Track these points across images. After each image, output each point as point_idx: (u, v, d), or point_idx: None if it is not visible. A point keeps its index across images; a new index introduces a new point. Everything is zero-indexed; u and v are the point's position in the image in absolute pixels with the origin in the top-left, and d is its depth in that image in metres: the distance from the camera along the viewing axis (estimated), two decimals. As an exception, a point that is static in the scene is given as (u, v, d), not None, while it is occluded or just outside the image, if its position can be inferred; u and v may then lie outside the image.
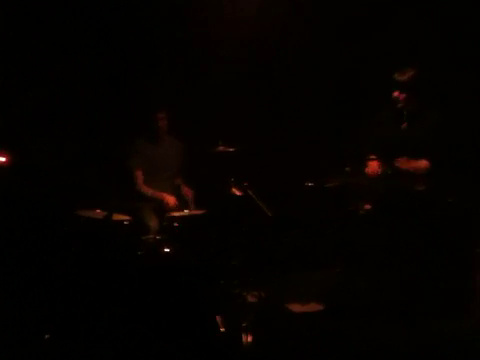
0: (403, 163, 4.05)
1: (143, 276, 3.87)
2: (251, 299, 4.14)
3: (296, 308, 4.19)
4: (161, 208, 4.56)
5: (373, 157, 4.13)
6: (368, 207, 4.13)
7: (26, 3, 4.79)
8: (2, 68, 4.73)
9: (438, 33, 4.81)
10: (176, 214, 4.43)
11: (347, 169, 4.17)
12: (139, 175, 4.67)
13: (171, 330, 3.67)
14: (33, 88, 4.84)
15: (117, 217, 4.13)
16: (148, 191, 4.67)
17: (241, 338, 3.63)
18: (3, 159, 4.04)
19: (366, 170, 4.14)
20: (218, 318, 3.73)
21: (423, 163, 4.08)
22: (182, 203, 4.67)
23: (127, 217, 4.21)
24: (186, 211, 4.49)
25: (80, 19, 4.94)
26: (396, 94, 4.10)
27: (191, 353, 3.52)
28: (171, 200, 4.60)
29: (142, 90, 5.06)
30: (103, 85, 5.01)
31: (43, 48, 4.84)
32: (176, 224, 4.32)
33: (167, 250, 4.10)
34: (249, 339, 3.65)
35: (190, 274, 3.92)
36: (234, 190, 4.45)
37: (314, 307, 4.15)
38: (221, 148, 4.48)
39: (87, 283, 3.83)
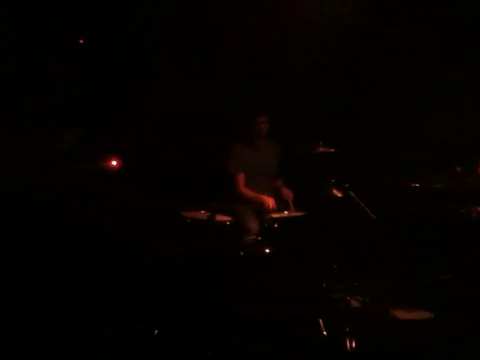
0: None
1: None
2: (354, 304, 4.06)
3: (402, 315, 4.04)
4: (261, 210, 4.58)
5: None
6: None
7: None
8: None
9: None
10: (276, 215, 4.43)
11: (458, 169, 3.97)
12: (240, 178, 4.73)
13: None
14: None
15: (220, 218, 4.19)
16: (249, 193, 4.72)
17: (344, 343, 3.56)
18: (115, 163, 4.21)
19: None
20: (320, 321, 3.68)
21: None
22: (282, 205, 4.66)
23: (229, 218, 4.27)
24: (286, 212, 4.48)
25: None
26: None
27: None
28: (271, 202, 4.61)
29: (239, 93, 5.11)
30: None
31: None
32: (276, 225, 4.32)
33: (267, 251, 4.11)
34: (352, 344, 3.57)
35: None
36: (335, 192, 4.38)
37: (421, 315, 3.98)
38: (321, 149, 4.42)
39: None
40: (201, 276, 3.95)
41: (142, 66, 5.18)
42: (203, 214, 4.18)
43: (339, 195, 4.36)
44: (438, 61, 4.79)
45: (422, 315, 4.00)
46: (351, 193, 4.32)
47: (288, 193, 4.75)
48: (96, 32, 5.03)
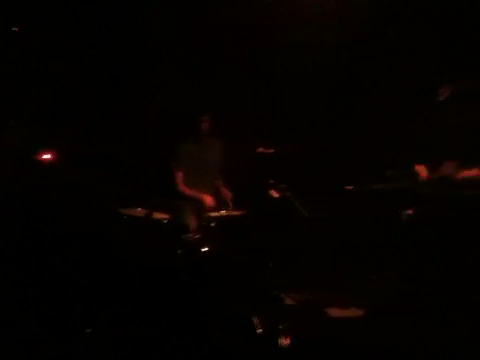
0: (453, 168, 3.97)
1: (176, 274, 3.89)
2: (289, 301, 4.13)
3: (336, 312, 4.14)
4: (200, 208, 4.58)
5: (420, 161, 4.07)
6: (411, 212, 4.07)
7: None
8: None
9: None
10: (214, 214, 4.45)
11: (389, 172, 4.12)
12: (180, 176, 4.74)
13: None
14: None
15: (157, 216, 4.16)
16: (187, 191, 4.71)
17: (278, 340, 3.61)
18: (48, 156, 4.10)
19: (415, 173, 4.07)
20: (255, 319, 3.72)
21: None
22: (221, 203, 4.69)
23: (167, 216, 4.24)
24: (225, 211, 4.50)
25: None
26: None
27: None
28: (209, 200, 4.63)
29: (185, 92, 5.10)
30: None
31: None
32: (214, 224, 4.33)
33: (205, 249, 4.12)
34: (286, 342, 3.63)
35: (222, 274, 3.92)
36: (272, 192, 4.44)
37: (354, 312, 4.10)
38: (260, 150, 4.48)
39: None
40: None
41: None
42: (140, 211, 4.13)
43: (276, 195, 4.42)
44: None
45: (355, 313, 4.12)
46: (288, 193, 4.39)
47: (227, 193, 4.79)
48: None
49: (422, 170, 4.08)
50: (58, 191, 4.53)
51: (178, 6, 5.03)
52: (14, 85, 4.77)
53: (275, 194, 4.46)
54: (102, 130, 4.98)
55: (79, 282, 3.92)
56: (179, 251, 4.06)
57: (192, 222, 4.51)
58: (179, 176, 4.74)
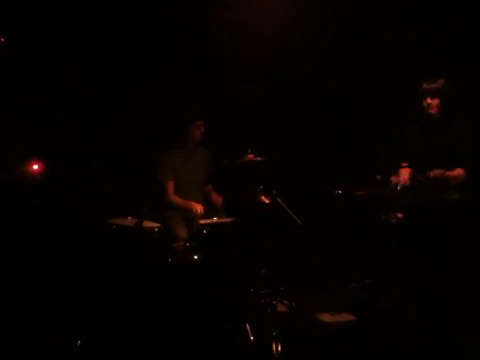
0: (438, 173, 4.00)
1: (169, 282, 3.88)
2: (281, 308, 4.13)
3: (326, 318, 4.15)
4: (190, 216, 4.58)
5: (404, 165, 4.09)
6: (399, 216, 4.08)
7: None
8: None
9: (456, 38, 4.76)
10: (205, 222, 4.44)
11: (378, 178, 4.13)
12: (170, 186, 4.73)
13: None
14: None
15: (147, 225, 4.15)
16: (178, 201, 4.71)
17: (270, 347, 3.61)
18: (36, 167, 4.09)
19: (396, 178, 4.09)
20: (247, 326, 3.71)
21: (458, 172, 4.03)
22: (211, 211, 4.68)
23: (157, 225, 4.23)
24: (215, 219, 4.50)
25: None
26: (428, 101, 4.07)
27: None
28: (199, 208, 4.61)
29: (160, 97, 5.09)
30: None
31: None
32: (205, 231, 4.32)
33: (196, 257, 4.11)
34: (278, 348, 3.63)
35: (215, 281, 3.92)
36: (263, 198, 4.44)
37: (345, 317, 4.11)
38: (250, 157, 4.48)
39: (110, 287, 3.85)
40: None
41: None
42: (130, 221, 4.12)
43: (267, 201, 4.42)
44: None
45: (346, 318, 4.13)
46: (278, 199, 4.39)
47: (217, 198, 4.78)
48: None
49: (405, 174, 4.11)
50: (47, 198, 4.53)
51: (177, 6, 5.04)
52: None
53: (265, 200, 4.45)
54: (99, 134, 4.97)
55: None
56: (169, 260, 4.04)
57: (182, 231, 4.50)
58: (170, 186, 4.73)
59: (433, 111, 4.10)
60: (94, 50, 4.99)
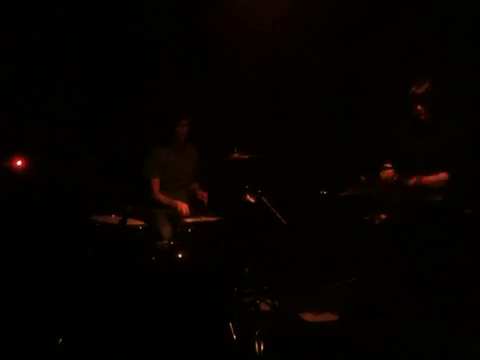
0: (416, 182, 4.05)
1: (153, 281, 3.87)
2: (264, 307, 4.14)
3: (310, 317, 4.16)
4: (175, 214, 4.57)
5: (388, 166, 4.11)
6: (384, 217, 4.10)
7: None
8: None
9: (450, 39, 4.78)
10: (190, 220, 4.43)
11: (362, 178, 4.15)
12: (156, 183, 4.72)
13: (178, 335, 3.67)
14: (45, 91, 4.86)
15: (132, 222, 4.14)
16: (162, 199, 4.69)
17: (253, 346, 3.62)
18: (20, 163, 4.06)
19: (380, 178, 4.12)
20: (230, 325, 3.72)
21: (442, 176, 4.07)
22: (198, 208, 4.67)
23: (142, 222, 4.22)
24: (200, 217, 4.49)
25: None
26: (418, 108, 4.10)
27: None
28: (184, 207, 4.61)
29: (159, 96, 5.08)
30: (118, 89, 5.03)
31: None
32: (190, 230, 4.32)
33: (180, 256, 4.11)
34: (261, 347, 3.64)
35: (199, 280, 3.92)
36: (248, 197, 4.44)
37: (328, 317, 4.13)
38: (236, 155, 4.48)
39: (97, 286, 3.84)
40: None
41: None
42: (114, 219, 4.10)
43: (252, 200, 4.43)
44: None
45: (329, 317, 4.15)
46: (263, 199, 4.40)
47: (203, 194, 4.77)
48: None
49: (388, 174, 4.13)
50: (32, 195, 4.50)
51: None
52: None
53: (251, 199, 4.46)
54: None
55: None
56: (153, 258, 4.04)
57: (167, 229, 4.49)
58: (155, 184, 4.72)
59: (423, 117, 4.14)
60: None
